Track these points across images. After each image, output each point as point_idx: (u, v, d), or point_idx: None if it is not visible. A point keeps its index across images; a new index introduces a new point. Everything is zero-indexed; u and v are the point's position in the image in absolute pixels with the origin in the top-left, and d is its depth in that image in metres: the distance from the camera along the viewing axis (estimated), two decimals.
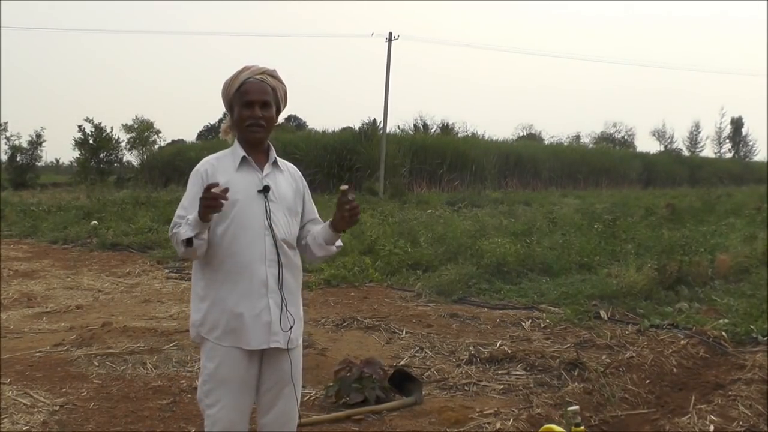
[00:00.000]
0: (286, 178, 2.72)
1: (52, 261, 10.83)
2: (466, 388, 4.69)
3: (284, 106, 2.73)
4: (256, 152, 2.65)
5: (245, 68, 2.65)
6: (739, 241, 10.80)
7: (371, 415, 4.18)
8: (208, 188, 2.38)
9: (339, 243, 2.73)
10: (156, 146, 44.38)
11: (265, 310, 2.56)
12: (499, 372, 5.03)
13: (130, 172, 41.70)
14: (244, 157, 2.62)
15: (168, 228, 2.68)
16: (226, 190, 2.41)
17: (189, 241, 2.46)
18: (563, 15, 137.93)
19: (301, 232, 2.75)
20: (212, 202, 2.37)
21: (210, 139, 49.22)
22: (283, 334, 2.58)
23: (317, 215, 2.82)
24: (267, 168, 2.66)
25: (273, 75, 2.67)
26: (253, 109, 2.59)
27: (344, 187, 2.55)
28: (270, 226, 2.57)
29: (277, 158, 2.72)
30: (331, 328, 6.39)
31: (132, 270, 9.91)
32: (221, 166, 2.62)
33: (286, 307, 2.59)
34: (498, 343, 5.65)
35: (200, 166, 2.65)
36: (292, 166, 2.82)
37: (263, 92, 2.61)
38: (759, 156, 70.93)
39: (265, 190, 2.59)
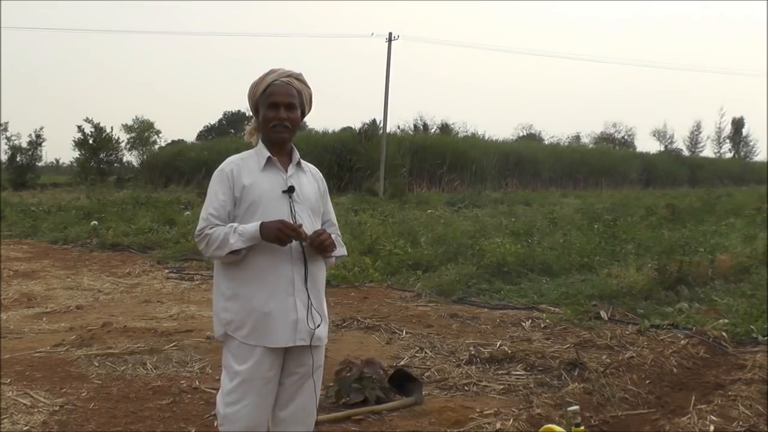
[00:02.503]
0: (309, 180, 2.77)
1: (52, 261, 10.83)
2: (466, 388, 4.69)
3: (309, 110, 2.78)
4: (280, 154, 2.70)
5: (272, 71, 2.70)
6: (739, 241, 10.80)
7: (371, 415, 4.17)
8: (292, 227, 2.51)
9: (338, 253, 2.76)
10: (156, 146, 44.53)
11: (292, 309, 2.61)
12: (499, 372, 5.02)
13: (130, 173, 41.77)
14: (269, 157, 2.66)
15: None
16: (302, 232, 2.54)
17: (236, 251, 2.55)
18: (563, 15, 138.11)
19: None
20: (286, 237, 2.50)
21: (210, 139, 49.30)
22: (309, 331, 2.63)
23: (332, 217, 2.87)
24: (291, 169, 2.71)
25: (299, 78, 2.72)
26: (278, 110, 2.64)
27: (301, 232, 2.56)
28: None
29: (300, 160, 2.76)
30: (331, 328, 6.31)
31: (132, 270, 9.91)
32: (246, 167, 2.66)
33: (312, 305, 2.64)
34: (498, 344, 5.64)
35: (225, 166, 2.69)
36: (314, 167, 2.88)
37: (289, 94, 2.66)
38: (759, 156, 71.07)
39: (290, 190, 2.64)
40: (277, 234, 2.50)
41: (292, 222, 2.58)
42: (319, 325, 2.65)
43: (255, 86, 2.69)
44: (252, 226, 2.54)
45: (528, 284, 8.22)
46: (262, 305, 2.59)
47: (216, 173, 2.68)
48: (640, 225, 13.27)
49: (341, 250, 2.80)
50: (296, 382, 2.71)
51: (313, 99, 2.78)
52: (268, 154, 2.67)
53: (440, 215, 16.44)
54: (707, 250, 9.50)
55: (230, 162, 2.70)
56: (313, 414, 2.77)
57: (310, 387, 2.71)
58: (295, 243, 2.58)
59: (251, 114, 2.81)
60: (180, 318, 6.80)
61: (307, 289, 2.63)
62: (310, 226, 2.65)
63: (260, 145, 2.71)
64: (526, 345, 5.63)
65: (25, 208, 18.94)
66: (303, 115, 2.74)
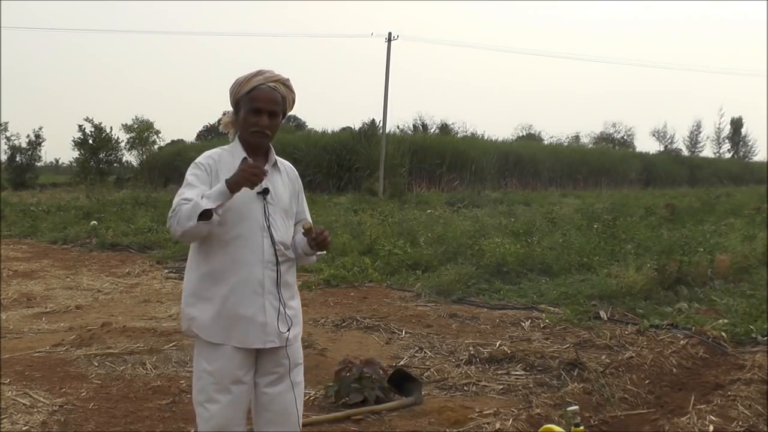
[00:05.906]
0: (284, 180, 2.72)
1: (51, 261, 10.83)
2: (465, 388, 4.69)
3: (289, 111, 2.73)
4: (256, 154, 2.65)
5: (260, 72, 2.63)
6: (739, 241, 10.80)
7: (371, 415, 4.17)
8: (254, 164, 2.43)
9: (320, 253, 2.71)
10: (156, 146, 44.45)
11: (261, 311, 2.57)
12: (499, 372, 5.02)
13: (129, 172, 41.77)
14: (245, 158, 2.60)
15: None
16: (264, 171, 2.49)
17: (206, 215, 2.39)
18: (563, 16, 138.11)
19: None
20: (255, 172, 2.40)
21: (210, 139, 49.25)
22: (279, 334, 2.59)
23: (307, 215, 2.82)
24: (267, 169, 2.64)
25: (286, 84, 2.66)
26: (261, 116, 2.58)
27: (306, 226, 2.60)
28: (269, 227, 2.57)
29: (276, 159, 2.72)
30: (330, 328, 6.39)
31: (131, 270, 9.91)
32: (223, 163, 2.60)
33: (284, 308, 2.60)
34: (497, 343, 5.64)
35: (202, 159, 2.63)
36: (290, 165, 2.83)
37: (273, 101, 2.60)
38: (758, 156, 71.12)
39: (265, 192, 2.59)
40: (242, 175, 2.40)
41: (265, 223, 2.55)
42: (289, 329, 2.60)
43: (239, 84, 2.61)
44: (217, 185, 2.45)
45: (527, 284, 8.21)
46: (231, 306, 2.54)
47: (192, 166, 2.61)
48: (639, 225, 13.26)
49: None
50: (274, 382, 2.66)
51: (295, 102, 2.71)
52: (244, 154, 2.61)
53: (440, 215, 16.42)
54: (707, 250, 9.49)
55: (207, 156, 2.63)
56: (293, 414, 2.70)
57: (290, 387, 2.66)
58: (267, 246, 2.55)
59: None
60: (179, 318, 6.78)
61: (278, 292, 2.58)
62: (283, 227, 2.63)
63: (236, 142, 2.65)
64: (526, 345, 5.63)
65: (24, 208, 18.94)
66: (283, 117, 2.69)
